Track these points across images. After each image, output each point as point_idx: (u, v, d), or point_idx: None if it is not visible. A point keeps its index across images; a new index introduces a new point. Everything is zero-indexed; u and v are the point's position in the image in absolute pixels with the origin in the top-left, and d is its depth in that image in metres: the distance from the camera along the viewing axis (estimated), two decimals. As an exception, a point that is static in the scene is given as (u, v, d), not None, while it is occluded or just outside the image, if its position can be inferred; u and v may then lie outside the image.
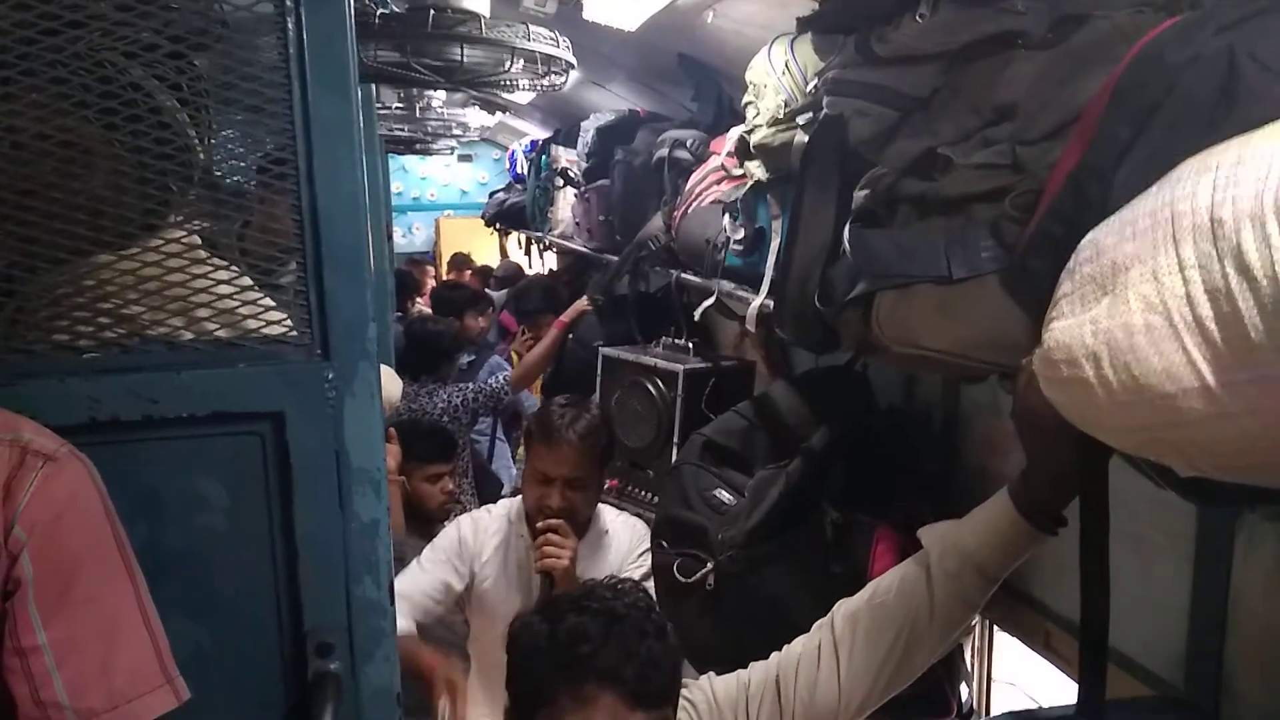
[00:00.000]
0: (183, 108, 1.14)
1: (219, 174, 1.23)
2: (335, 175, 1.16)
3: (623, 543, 2.32)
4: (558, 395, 3.93)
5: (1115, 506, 1.07)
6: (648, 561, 2.18)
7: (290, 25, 1.10)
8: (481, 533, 2.29)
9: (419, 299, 6.57)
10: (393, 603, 1.27)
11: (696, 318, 2.62)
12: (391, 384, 3.07)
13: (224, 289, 1.18)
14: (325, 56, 1.12)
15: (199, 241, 1.19)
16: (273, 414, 1.18)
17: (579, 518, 2.23)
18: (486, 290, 6.07)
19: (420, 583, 2.24)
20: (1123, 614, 1.17)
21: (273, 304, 1.21)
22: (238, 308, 1.19)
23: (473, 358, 4.68)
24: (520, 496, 2.33)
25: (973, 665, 2.18)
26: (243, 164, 1.24)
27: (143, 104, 1.10)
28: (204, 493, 1.18)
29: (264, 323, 1.20)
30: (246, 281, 1.20)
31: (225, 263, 1.20)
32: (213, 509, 1.19)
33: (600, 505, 2.36)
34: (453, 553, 2.27)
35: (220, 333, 1.19)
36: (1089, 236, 0.82)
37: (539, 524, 2.16)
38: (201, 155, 1.18)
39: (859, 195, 1.28)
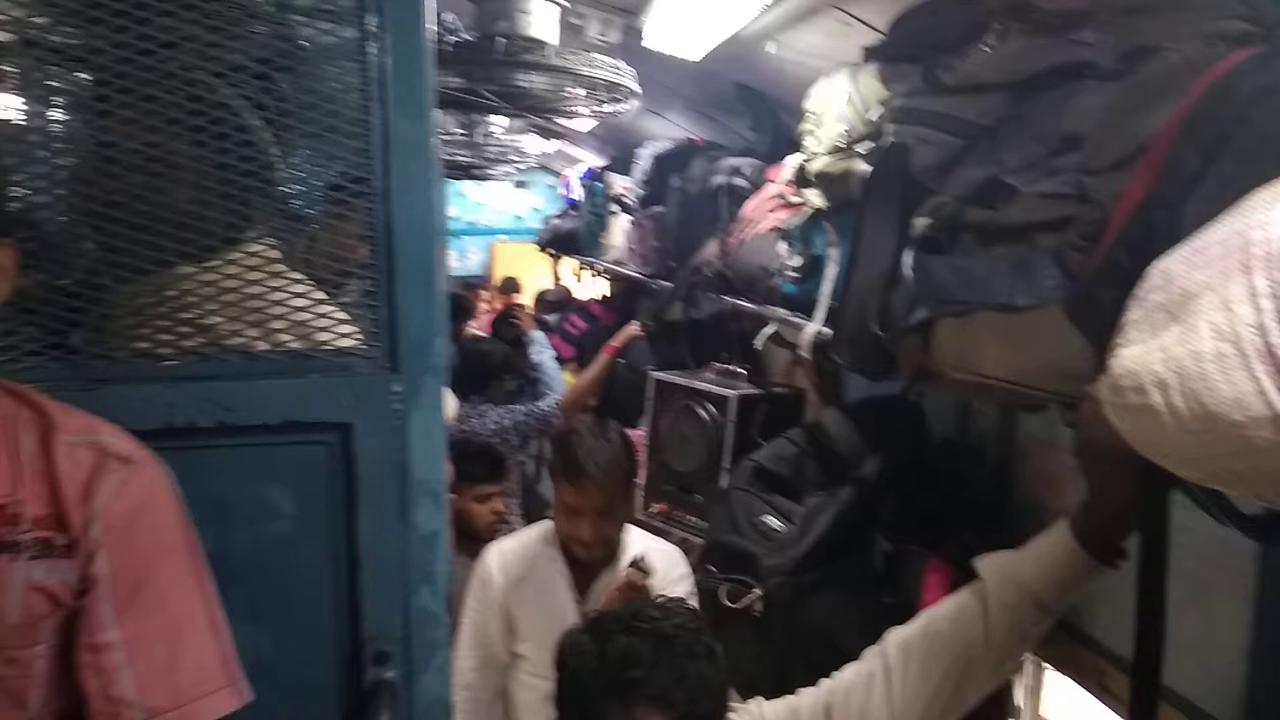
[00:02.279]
0: (266, 126, 1.19)
1: (299, 190, 1.28)
2: (410, 194, 1.19)
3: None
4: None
5: (1173, 544, 1.06)
6: (682, 590, 2.18)
7: (374, 50, 1.15)
8: (510, 565, 2.30)
9: (471, 322, 6.63)
10: (449, 614, 1.29)
11: (758, 345, 2.62)
12: (449, 403, 3.10)
13: (299, 301, 1.22)
14: (406, 80, 1.16)
15: (278, 255, 1.23)
16: (341, 424, 1.21)
17: (611, 542, 2.25)
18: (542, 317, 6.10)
19: (491, 650, 2.28)
20: (1181, 655, 1.15)
21: (345, 317, 1.24)
22: (311, 320, 1.23)
23: (520, 381, 4.71)
24: None
25: (1023, 704, 2.14)
26: (321, 182, 1.28)
27: (229, 122, 1.14)
28: (272, 500, 1.22)
29: (336, 335, 1.23)
30: (321, 295, 1.24)
31: (300, 276, 1.24)
32: (280, 516, 1.22)
33: (635, 532, 2.37)
34: (487, 606, 2.28)
35: (294, 344, 1.22)
36: (1159, 264, 0.82)
37: (620, 582, 2.15)
38: (283, 173, 1.22)
39: (920, 222, 1.29)
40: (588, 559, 2.24)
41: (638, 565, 2.14)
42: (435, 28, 2.24)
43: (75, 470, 0.99)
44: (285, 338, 1.22)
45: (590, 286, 5.99)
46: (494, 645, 2.27)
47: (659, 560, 2.32)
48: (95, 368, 1.18)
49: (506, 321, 5.19)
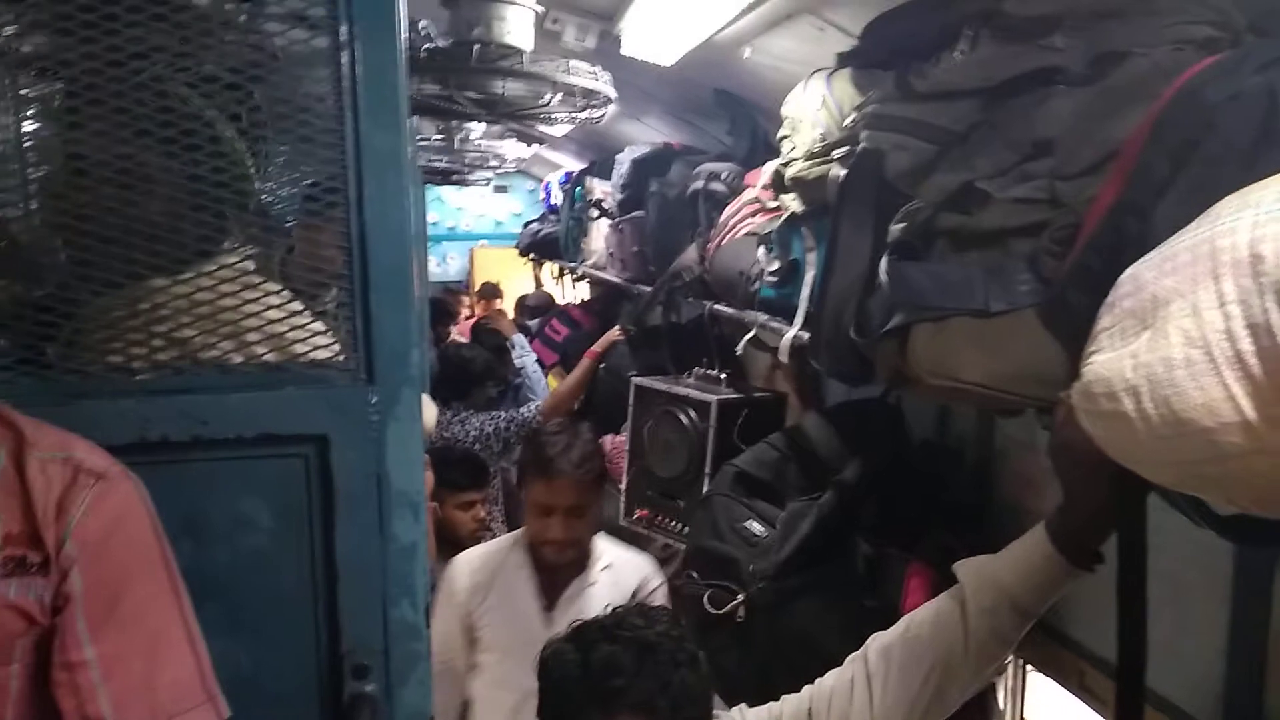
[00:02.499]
0: (240, 137, 1.18)
1: (272, 201, 1.27)
2: (383, 204, 1.19)
3: (623, 579, 2.31)
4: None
5: (1150, 545, 1.06)
6: (656, 601, 2.18)
7: (345, 59, 1.14)
8: (476, 573, 2.30)
9: (453, 328, 6.61)
10: (428, 625, 1.28)
11: (739, 351, 2.62)
12: (428, 411, 3.10)
13: (274, 314, 1.21)
14: (378, 89, 1.16)
15: (252, 267, 1.22)
16: (317, 437, 1.21)
17: (582, 545, 2.26)
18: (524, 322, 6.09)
19: (452, 661, 2.27)
20: (1159, 654, 1.16)
21: (321, 329, 1.24)
22: (286, 332, 1.22)
23: (502, 387, 4.69)
24: None
25: (1005, 705, 2.15)
26: (293, 192, 1.27)
27: (202, 133, 1.14)
28: (248, 513, 1.21)
29: (311, 347, 1.23)
30: (296, 306, 1.23)
31: (276, 288, 1.23)
32: (256, 529, 1.22)
33: (603, 541, 2.37)
34: (450, 615, 2.27)
35: (269, 356, 1.22)
36: (1129, 271, 0.83)
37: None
38: (257, 183, 1.21)
39: (895, 228, 1.29)
40: (558, 563, 2.23)
41: None
42: (409, 35, 2.25)
43: (48, 486, 0.98)
44: (260, 350, 1.21)
45: (571, 291, 5.98)
46: (454, 655, 2.26)
47: (631, 571, 2.32)
48: (68, 382, 1.17)
49: (485, 330, 5.17)
